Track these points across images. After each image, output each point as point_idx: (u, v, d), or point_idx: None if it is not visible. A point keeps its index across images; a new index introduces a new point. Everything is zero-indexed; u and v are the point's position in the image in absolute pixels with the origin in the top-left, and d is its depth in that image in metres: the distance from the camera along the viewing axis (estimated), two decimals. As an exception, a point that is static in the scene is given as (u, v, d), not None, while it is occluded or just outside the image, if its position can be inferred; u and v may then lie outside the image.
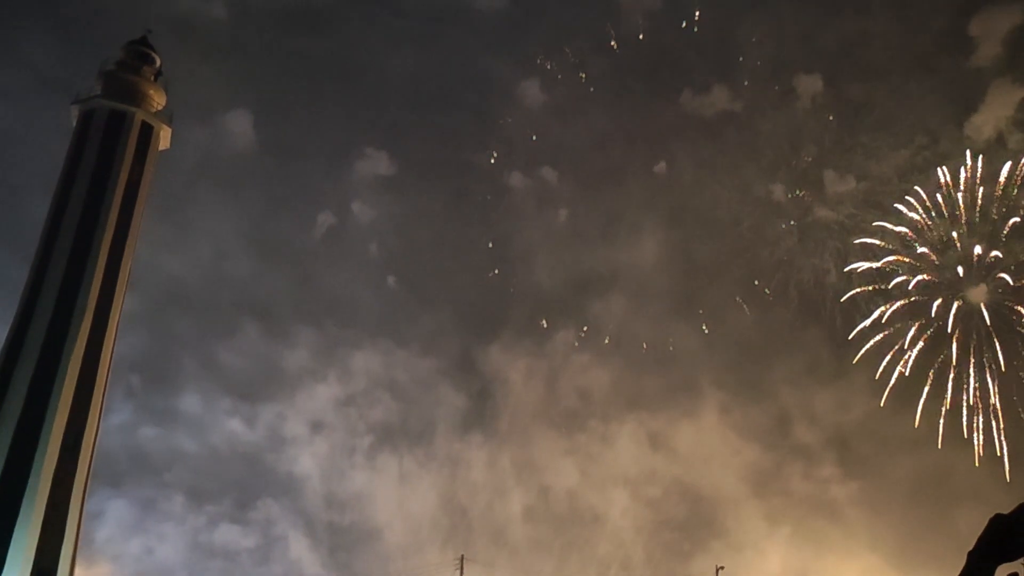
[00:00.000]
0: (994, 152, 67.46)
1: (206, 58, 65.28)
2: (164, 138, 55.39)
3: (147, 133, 54.10)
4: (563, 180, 76.99)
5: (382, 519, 72.82)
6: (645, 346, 76.45)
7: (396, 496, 73.60)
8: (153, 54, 56.38)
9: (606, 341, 74.60)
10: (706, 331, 75.10)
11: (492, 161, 74.40)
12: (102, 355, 50.21)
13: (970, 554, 3.08)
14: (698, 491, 74.75)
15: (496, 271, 75.67)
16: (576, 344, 74.43)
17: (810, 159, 72.81)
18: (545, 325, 72.59)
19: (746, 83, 74.96)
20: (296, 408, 76.31)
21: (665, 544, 72.31)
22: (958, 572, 3.16)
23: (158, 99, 55.52)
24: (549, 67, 76.25)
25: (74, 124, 54.10)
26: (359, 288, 77.60)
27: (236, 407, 73.30)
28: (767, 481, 75.27)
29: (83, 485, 48.95)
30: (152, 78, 55.84)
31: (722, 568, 58.75)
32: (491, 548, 71.51)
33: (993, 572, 3.08)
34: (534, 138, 76.84)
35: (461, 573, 58.63)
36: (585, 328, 74.87)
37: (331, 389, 76.46)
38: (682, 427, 76.54)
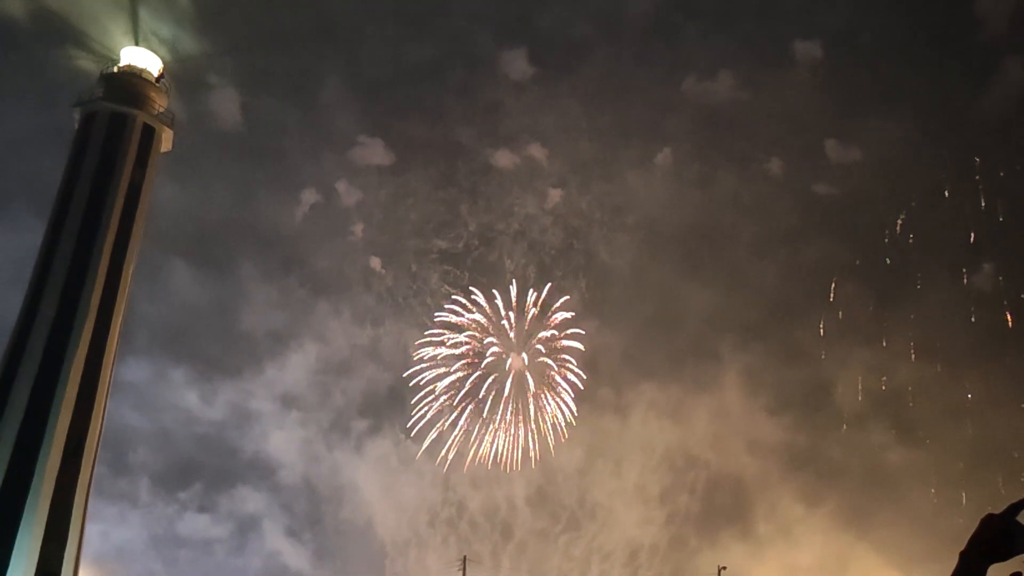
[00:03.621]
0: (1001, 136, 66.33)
1: (191, 35, 64.30)
2: (166, 140, 55.35)
3: (149, 135, 54.07)
4: (552, 159, 75.15)
5: (372, 510, 69.71)
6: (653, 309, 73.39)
7: (386, 483, 70.35)
8: (155, 56, 56.43)
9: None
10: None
11: (478, 139, 73.50)
12: (104, 357, 50.25)
13: (962, 554, 3.05)
14: (720, 474, 69.81)
15: (485, 248, 73.77)
16: (575, 313, 71.63)
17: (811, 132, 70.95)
18: (546, 294, 70.15)
19: (745, 54, 73.19)
20: (265, 380, 72.43)
21: (679, 538, 69.03)
22: (951, 572, 3.15)
23: (160, 101, 55.48)
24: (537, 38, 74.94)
25: (76, 127, 54.12)
26: (342, 266, 75.60)
27: (193, 379, 70.02)
28: (802, 456, 69.72)
29: (86, 488, 48.97)
30: (154, 80, 55.88)
31: (724, 568, 57.63)
32: (492, 540, 68.77)
33: (985, 572, 3.05)
34: (522, 115, 75.47)
35: (464, 573, 57.58)
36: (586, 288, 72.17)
37: (307, 358, 73.25)
38: (699, 399, 72.44)
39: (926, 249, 68.16)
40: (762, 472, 70.71)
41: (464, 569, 57.99)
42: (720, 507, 69.53)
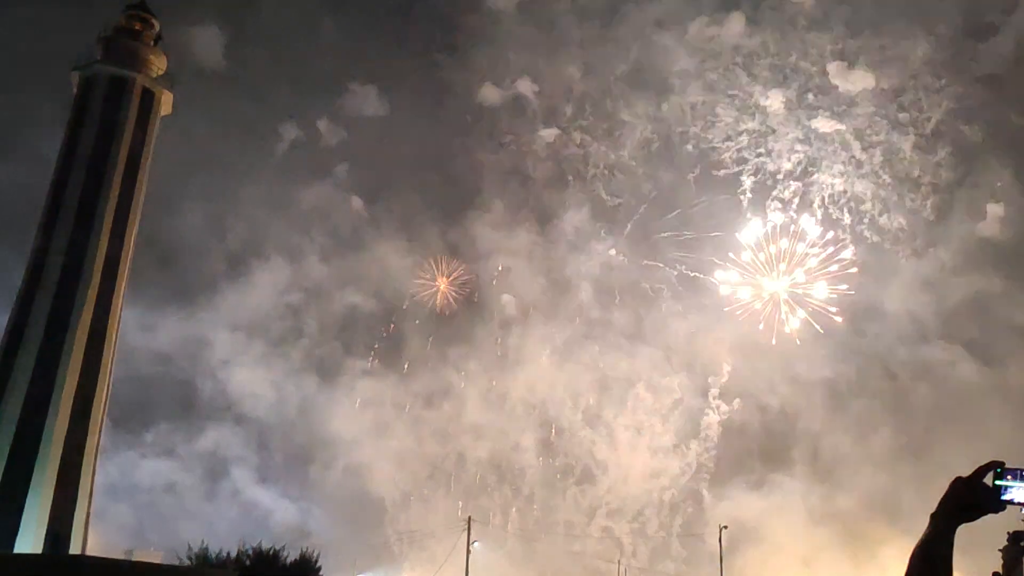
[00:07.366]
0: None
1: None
2: (165, 103, 55.12)
3: (148, 99, 53.89)
4: (541, 95, 71.38)
5: (363, 459, 63.74)
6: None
7: (378, 429, 64.74)
8: (152, 19, 55.97)
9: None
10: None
11: (464, 74, 70.45)
12: (110, 318, 50.52)
13: (932, 516, 3.18)
14: (752, 411, 63.54)
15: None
16: (576, 233, 67.55)
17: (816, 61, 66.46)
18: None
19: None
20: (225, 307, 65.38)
21: (692, 491, 65.33)
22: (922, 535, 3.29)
23: (158, 64, 55.18)
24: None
25: (75, 91, 53.87)
26: (322, 204, 72.02)
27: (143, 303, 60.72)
28: (848, 385, 62.51)
29: (94, 449, 49.46)
30: (152, 43, 55.48)
31: (725, 527, 57.35)
32: (500, 493, 65.88)
33: (954, 533, 3.20)
34: (509, 49, 71.74)
35: (468, 535, 57.17)
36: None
37: (277, 275, 66.53)
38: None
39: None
40: (802, 410, 63.14)
41: (469, 531, 57.61)
42: (744, 450, 64.89)
